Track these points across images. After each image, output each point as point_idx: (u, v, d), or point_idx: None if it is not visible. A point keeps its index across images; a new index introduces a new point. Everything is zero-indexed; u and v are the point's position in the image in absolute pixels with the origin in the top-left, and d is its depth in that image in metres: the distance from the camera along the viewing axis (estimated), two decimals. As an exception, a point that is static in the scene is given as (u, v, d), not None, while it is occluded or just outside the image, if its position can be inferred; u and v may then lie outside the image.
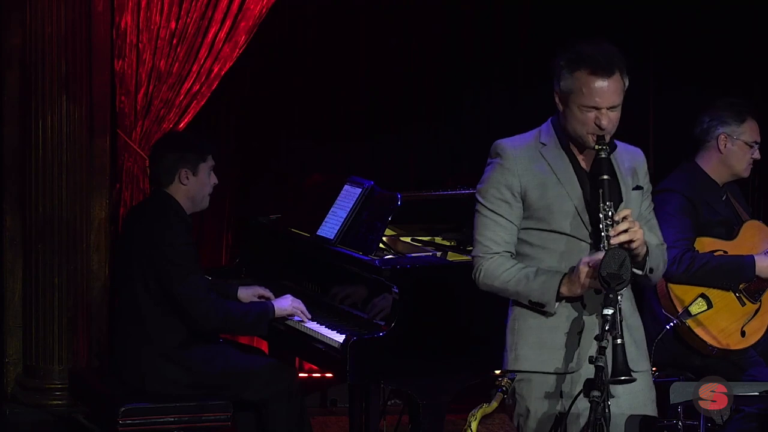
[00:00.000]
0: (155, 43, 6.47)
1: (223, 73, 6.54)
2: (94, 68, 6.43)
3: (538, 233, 4.03)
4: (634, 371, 3.84)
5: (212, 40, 6.49)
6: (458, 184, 5.92)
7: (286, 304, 5.38)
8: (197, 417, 5.36)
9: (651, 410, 4.07)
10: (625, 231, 3.88)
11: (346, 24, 7.21)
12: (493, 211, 4.04)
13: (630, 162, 4.10)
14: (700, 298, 5.32)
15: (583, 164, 4.05)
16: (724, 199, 5.51)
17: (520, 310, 4.07)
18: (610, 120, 3.93)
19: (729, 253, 5.39)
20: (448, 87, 7.38)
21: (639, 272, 3.99)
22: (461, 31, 7.39)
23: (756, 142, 5.49)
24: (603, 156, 3.93)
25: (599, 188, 3.92)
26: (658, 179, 5.33)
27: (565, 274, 3.95)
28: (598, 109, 3.92)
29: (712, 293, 5.34)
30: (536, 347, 4.02)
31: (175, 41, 6.48)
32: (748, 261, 5.35)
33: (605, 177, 3.92)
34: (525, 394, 4.06)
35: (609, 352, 3.76)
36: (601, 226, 3.90)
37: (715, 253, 5.36)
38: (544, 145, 4.05)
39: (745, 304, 5.40)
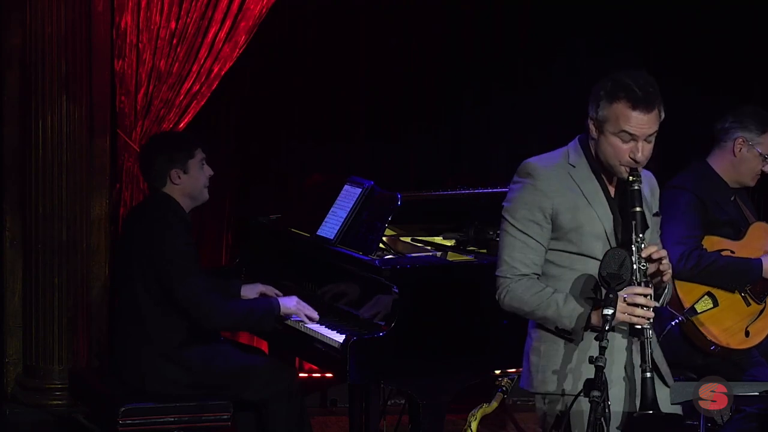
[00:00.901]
0: (155, 43, 6.47)
1: (223, 73, 6.54)
2: (94, 68, 6.43)
3: (566, 255, 4.03)
4: (668, 386, 4.00)
5: (212, 40, 6.49)
6: (458, 184, 5.92)
7: (292, 304, 5.38)
8: (197, 417, 5.36)
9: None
10: (660, 262, 3.92)
11: (346, 24, 7.21)
12: (523, 232, 4.02)
13: (649, 187, 4.13)
14: (706, 296, 5.33)
15: (610, 190, 4.06)
16: (732, 199, 5.51)
17: (545, 333, 4.05)
18: (645, 152, 3.94)
19: (736, 253, 5.40)
20: (448, 87, 7.38)
21: (656, 304, 3.98)
22: (461, 31, 7.39)
23: None
24: (636, 188, 3.95)
25: (632, 220, 3.94)
26: (660, 178, 5.33)
27: (596, 303, 3.93)
28: (635, 139, 3.92)
29: (718, 292, 5.35)
30: (563, 371, 4.01)
31: (175, 41, 6.48)
32: (756, 264, 5.36)
33: (638, 209, 3.94)
34: (548, 410, 4.06)
35: (638, 382, 3.85)
36: (633, 258, 3.90)
37: (723, 253, 5.37)
38: (574, 167, 4.04)
39: (750, 304, 5.40)
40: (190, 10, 6.47)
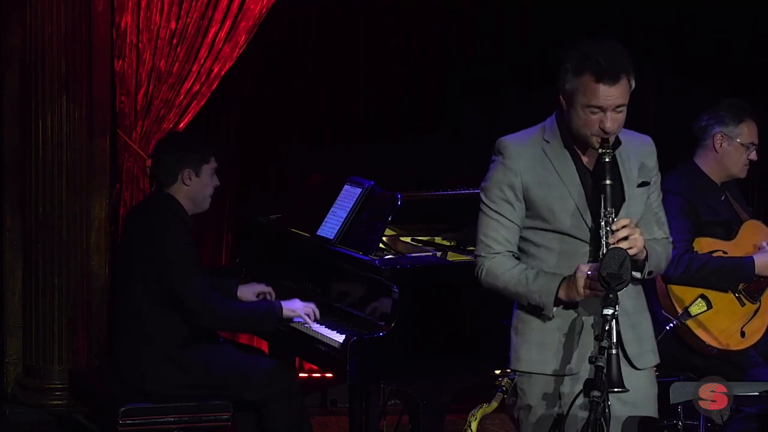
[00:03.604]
0: (155, 43, 6.47)
1: (223, 73, 6.54)
2: (94, 68, 6.43)
3: (540, 233, 4.02)
4: (638, 368, 3.91)
5: (212, 40, 6.50)
6: (458, 184, 5.92)
7: (296, 306, 5.38)
8: (197, 417, 5.36)
9: (652, 406, 4.08)
10: (626, 238, 3.88)
11: (346, 24, 7.21)
12: (495, 211, 4.03)
13: (637, 156, 4.07)
14: (699, 299, 5.32)
15: (585, 163, 4.03)
16: (723, 199, 5.51)
17: (521, 312, 4.07)
18: (614, 122, 3.91)
19: (728, 253, 5.39)
20: (448, 87, 7.38)
21: (638, 275, 3.99)
22: (461, 31, 7.39)
23: (753, 144, 5.49)
24: (607, 160, 3.91)
25: (601, 193, 3.90)
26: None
27: (564, 278, 3.94)
28: (602, 110, 3.90)
29: (712, 294, 5.34)
30: (537, 348, 4.02)
31: (175, 41, 6.48)
32: (747, 262, 5.35)
33: (607, 182, 3.90)
34: (526, 390, 4.07)
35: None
36: (601, 232, 3.89)
37: (714, 254, 5.36)
38: (548, 142, 4.03)
39: (744, 304, 5.40)
40: (190, 10, 6.47)
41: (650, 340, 4.11)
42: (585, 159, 4.03)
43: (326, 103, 7.25)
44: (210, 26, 6.49)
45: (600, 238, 3.89)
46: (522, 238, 4.06)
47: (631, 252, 3.86)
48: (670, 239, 4.18)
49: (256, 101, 7.13)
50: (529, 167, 4.00)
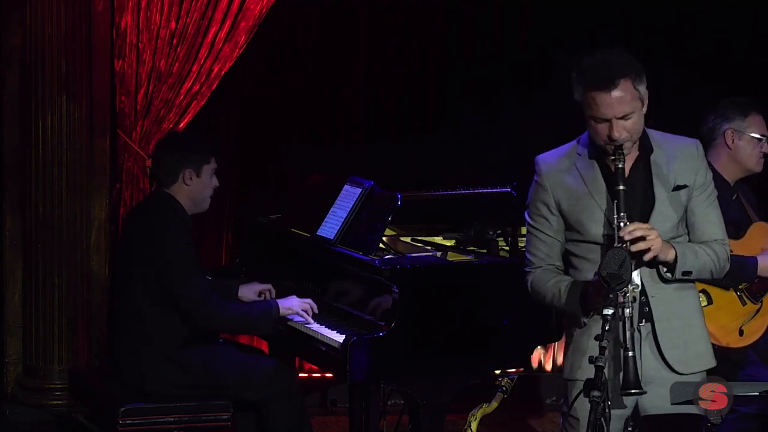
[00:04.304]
0: (155, 43, 6.48)
1: (223, 73, 6.54)
2: (94, 68, 6.43)
3: (578, 245, 4.10)
4: (682, 373, 3.97)
5: (212, 40, 6.50)
6: (458, 184, 5.92)
7: (293, 303, 5.38)
8: (197, 417, 5.36)
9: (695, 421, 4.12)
10: (642, 239, 3.91)
11: (346, 24, 7.21)
12: (534, 227, 4.15)
13: (677, 159, 4.09)
14: (700, 293, 5.32)
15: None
16: (734, 198, 5.51)
17: (568, 322, 4.16)
18: (623, 130, 3.94)
19: (734, 252, 5.39)
20: (448, 87, 7.38)
21: (669, 276, 4.02)
22: (461, 31, 7.39)
23: (764, 135, 5.49)
24: (620, 166, 3.95)
25: (614, 199, 3.95)
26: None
27: (583, 285, 4.00)
28: (606, 119, 3.93)
29: (714, 290, 5.34)
30: (579, 355, 4.07)
31: (175, 41, 6.48)
32: (751, 262, 5.35)
33: (621, 188, 3.94)
34: (570, 396, 4.09)
35: (621, 362, 3.85)
36: (615, 236, 3.93)
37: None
38: (579, 155, 4.09)
39: (746, 303, 5.40)
40: (190, 10, 6.47)
41: (700, 343, 4.13)
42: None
43: (326, 103, 7.25)
44: (210, 26, 6.49)
45: (614, 242, 3.93)
46: (567, 252, 4.14)
47: (649, 255, 3.92)
48: (725, 241, 4.18)
49: (256, 101, 7.13)
50: (559, 182, 4.08)
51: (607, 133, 3.94)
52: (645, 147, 4.05)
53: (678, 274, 4.03)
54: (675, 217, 4.06)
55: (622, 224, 3.92)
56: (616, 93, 3.91)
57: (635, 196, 4.02)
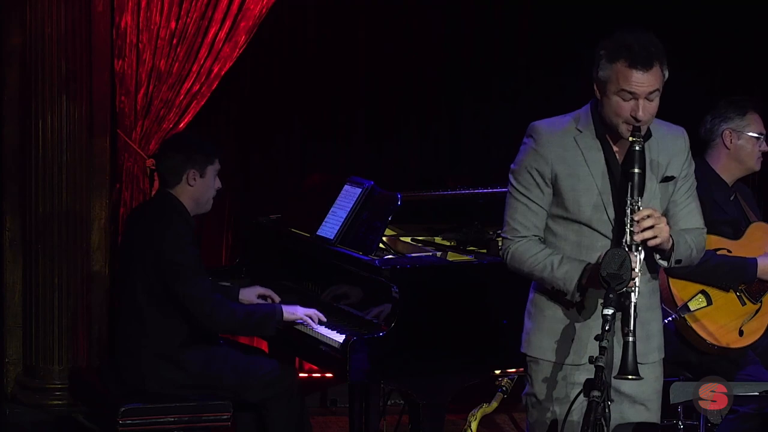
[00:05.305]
0: (155, 43, 6.47)
1: (223, 73, 6.54)
2: (94, 68, 6.43)
3: (560, 222, 4.06)
4: (641, 363, 3.89)
5: (212, 40, 6.49)
6: (458, 184, 5.92)
7: (298, 310, 5.38)
8: (197, 417, 5.36)
9: (655, 402, 4.11)
10: (651, 228, 3.90)
11: (345, 24, 7.21)
12: (524, 195, 4.07)
13: (667, 150, 4.10)
14: (700, 294, 5.32)
15: (617, 155, 4.05)
16: (732, 199, 5.51)
17: (539, 296, 4.11)
18: (646, 110, 3.94)
19: (733, 253, 5.39)
20: (448, 87, 7.38)
21: (664, 263, 4.03)
22: (461, 31, 7.39)
23: (762, 134, 5.50)
24: (637, 149, 3.94)
25: (629, 181, 3.93)
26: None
27: (588, 264, 3.97)
28: (635, 97, 3.93)
29: (713, 291, 5.34)
30: (549, 336, 4.06)
31: (175, 41, 6.48)
32: (750, 263, 5.35)
33: (636, 170, 3.93)
34: (534, 376, 4.11)
35: (618, 347, 3.84)
36: (626, 219, 3.92)
37: (719, 251, 5.37)
38: (581, 132, 4.05)
39: (745, 303, 5.40)
40: (190, 10, 6.47)
41: (657, 337, 4.15)
42: (617, 150, 4.06)
43: (326, 103, 7.25)
44: (210, 26, 6.49)
45: (624, 225, 3.92)
46: (545, 227, 4.10)
47: (655, 241, 3.91)
48: (704, 230, 4.20)
49: (256, 101, 7.13)
50: (560, 157, 4.03)
51: (631, 112, 3.93)
52: (645, 134, 4.03)
53: (672, 263, 4.04)
54: (660, 210, 4.06)
55: (635, 208, 3.91)
56: (651, 71, 3.94)
57: (625, 183, 3.99)
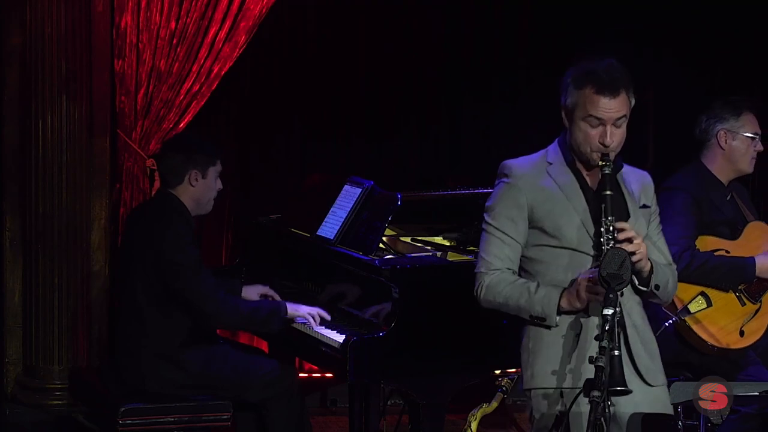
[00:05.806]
0: (155, 43, 6.47)
1: (223, 73, 6.54)
2: (94, 68, 6.43)
3: (548, 250, 4.09)
4: (651, 385, 3.98)
5: (212, 40, 6.49)
6: (458, 184, 5.92)
7: (302, 307, 5.38)
8: (197, 417, 5.36)
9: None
10: (630, 241, 3.94)
11: (345, 24, 7.21)
12: (498, 229, 4.11)
13: (637, 184, 4.19)
14: (699, 296, 5.33)
15: (588, 181, 4.12)
16: (728, 198, 5.52)
17: (532, 329, 4.11)
18: (614, 136, 4.01)
19: (731, 253, 5.39)
20: (448, 87, 7.38)
21: (644, 289, 4.06)
22: (461, 31, 7.39)
23: (757, 134, 5.50)
24: (607, 172, 4.01)
25: (602, 203, 3.99)
26: (657, 177, 5.33)
27: (566, 288, 4.01)
28: (603, 123, 3.99)
29: (713, 292, 5.34)
30: (551, 364, 4.06)
31: (175, 41, 6.48)
32: (749, 262, 5.35)
33: (608, 192, 3.99)
34: (541, 408, 4.09)
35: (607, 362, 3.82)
36: (602, 239, 3.97)
37: (717, 253, 5.37)
38: (551, 164, 4.12)
39: (745, 304, 5.40)
40: (190, 10, 6.47)
41: (659, 357, 4.17)
42: (588, 177, 4.12)
43: (326, 103, 7.25)
44: (210, 26, 6.49)
45: (602, 245, 3.96)
46: (529, 259, 4.13)
47: (635, 258, 3.94)
48: (673, 265, 4.24)
49: (256, 101, 7.13)
50: (534, 186, 4.09)
51: (599, 139, 3.99)
52: (615, 165, 4.08)
53: (651, 286, 4.07)
54: (643, 232, 4.12)
55: (610, 227, 3.96)
56: (618, 98, 4.00)
57: (599, 206, 4.04)
